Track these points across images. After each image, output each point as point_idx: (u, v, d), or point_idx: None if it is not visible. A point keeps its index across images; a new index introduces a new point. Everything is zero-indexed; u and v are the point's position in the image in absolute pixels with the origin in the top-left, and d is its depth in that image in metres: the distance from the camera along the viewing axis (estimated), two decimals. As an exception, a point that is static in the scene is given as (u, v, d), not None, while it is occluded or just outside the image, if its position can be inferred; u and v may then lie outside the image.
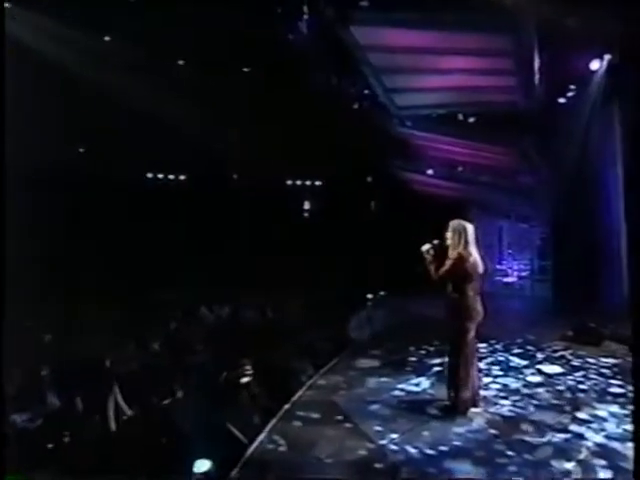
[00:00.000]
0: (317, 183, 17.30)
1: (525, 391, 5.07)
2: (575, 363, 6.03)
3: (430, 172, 11.70)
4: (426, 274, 4.55)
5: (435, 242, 4.57)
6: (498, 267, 11.34)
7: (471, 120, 10.14)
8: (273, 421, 4.19)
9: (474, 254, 4.42)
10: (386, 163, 12.33)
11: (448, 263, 4.39)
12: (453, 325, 4.44)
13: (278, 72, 11.81)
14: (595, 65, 9.33)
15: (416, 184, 12.24)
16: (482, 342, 6.68)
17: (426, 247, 4.56)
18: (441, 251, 4.56)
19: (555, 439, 3.95)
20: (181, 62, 11.97)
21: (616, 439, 3.92)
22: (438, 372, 5.64)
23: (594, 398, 4.88)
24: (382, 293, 11.42)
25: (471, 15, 7.63)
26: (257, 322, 7.89)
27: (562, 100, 9.82)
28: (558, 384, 5.28)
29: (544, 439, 3.95)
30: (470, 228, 4.49)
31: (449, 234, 4.49)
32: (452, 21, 7.71)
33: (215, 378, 5.05)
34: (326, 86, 11.42)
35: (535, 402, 4.77)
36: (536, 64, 8.20)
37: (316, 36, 9.94)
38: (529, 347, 6.72)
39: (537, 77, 8.45)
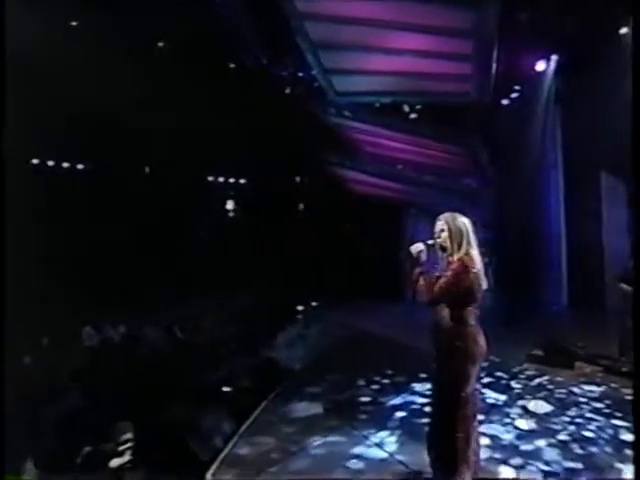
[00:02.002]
0: (242, 181, 15.38)
1: (524, 447, 3.64)
2: (560, 395, 4.75)
3: (368, 170, 10.28)
4: (412, 288, 2.95)
5: (430, 242, 3.01)
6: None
7: (417, 112, 8.87)
8: None
9: (478, 262, 2.91)
10: (320, 158, 10.77)
11: (447, 275, 2.83)
12: (447, 370, 2.86)
13: (196, 46, 9.79)
14: (541, 66, 8.64)
15: (351, 183, 10.79)
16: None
17: (418, 247, 2.97)
18: (433, 257, 3.02)
19: None
20: (74, 24, 9.59)
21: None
22: (402, 420, 4.08)
23: (611, 454, 3.56)
24: (315, 304, 9.83)
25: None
26: (158, 347, 5.87)
27: (510, 99, 8.96)
28: (557, 430, 3.92)
29: None
30: (470, 225, 2.98)
31: (444, 234, 2.93)
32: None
33: (73, 455, 3.06)
34: (253, 65, 9.65)
35: (544, 467, 3.35)
36: (495, 50, 7.09)
37: (244, -1, 8.20)
38: (499, 373, 5.37)
39: (494, 66, 7.35)
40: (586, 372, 5.51)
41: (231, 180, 15.33)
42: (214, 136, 11.14)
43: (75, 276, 8.01)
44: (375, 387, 4.89)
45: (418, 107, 8.93)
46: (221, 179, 15.24)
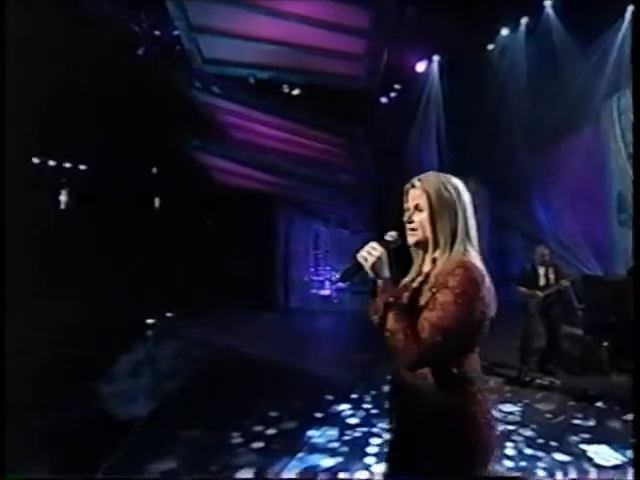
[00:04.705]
0: (81, 166, 12.30)
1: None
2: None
3: (236, 158, 8.61)
4: (388, 342, 1.45)
5: (390, 237, 1.54)
6: (314, 278, 9.02)
7: (298, 94, 7.54)
8: None
9: (480, 264, 1.55)
10: (179, 141, 8.73)
11: (444, 300, 1.37)
12: (435, 474, 1.44)
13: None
14: (422, 67, 8.15)
15: (216, 172, 9.01)
16: (341, 402, 4.03)
17: (373, 252, 1.45)
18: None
19: None
20: None
21: None
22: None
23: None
24: (169, 315, 7.83)
25: None
26: None
27: (390, 97, 8.26)
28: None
29: None
30: (469, 199, 1.61)
31: (419, 215, 1.51)
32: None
33: None
34: (96, 14, 7.26)
35: None
36: (389, 32, 6.14)
37: None
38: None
39: (386, 50, 6.41)
40: (492, 387, 4.77)
41: (66, 165, 12.18)
42: (43, 106, 8.28)
43: None
44: (257, 445, 3.27)
45: (298, 90, 7.61)
46: (52, 162, 12.00)
